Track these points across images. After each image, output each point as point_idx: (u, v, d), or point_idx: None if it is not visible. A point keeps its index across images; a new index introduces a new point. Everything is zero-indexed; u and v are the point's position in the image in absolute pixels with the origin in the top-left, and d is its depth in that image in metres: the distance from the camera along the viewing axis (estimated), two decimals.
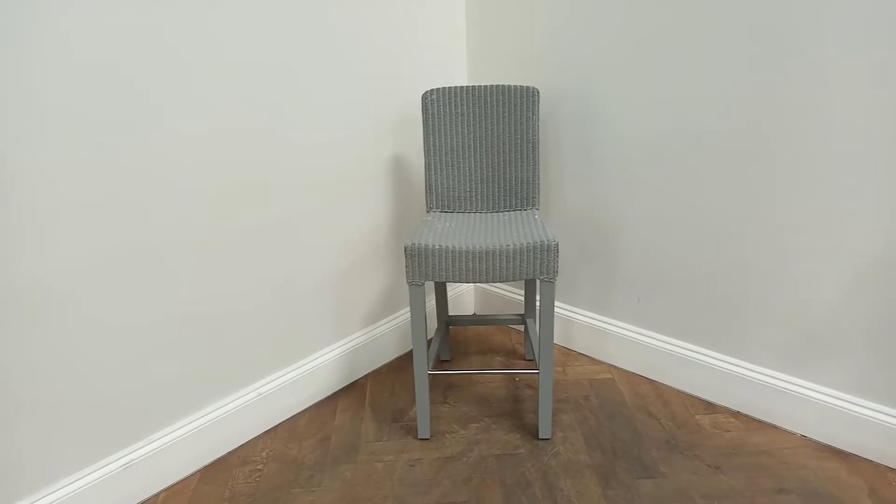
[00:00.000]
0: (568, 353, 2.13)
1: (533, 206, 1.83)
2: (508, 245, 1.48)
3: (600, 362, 2.06)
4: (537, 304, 2.09)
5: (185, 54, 1.39)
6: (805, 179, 1.51)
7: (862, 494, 1.45)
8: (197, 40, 1.40)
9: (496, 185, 1.83)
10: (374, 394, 1.93)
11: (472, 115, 1.79)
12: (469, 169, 1.83)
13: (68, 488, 1.36)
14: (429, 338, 2.23)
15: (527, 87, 1.76)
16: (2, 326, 1.21)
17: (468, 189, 1.84)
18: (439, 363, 2.09)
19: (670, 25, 1.64)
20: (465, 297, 2.39)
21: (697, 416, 1.75)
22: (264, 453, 1.67)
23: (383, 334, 2.07)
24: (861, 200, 1.44)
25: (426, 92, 1.77)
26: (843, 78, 1.40)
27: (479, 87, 1.77)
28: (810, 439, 1.64)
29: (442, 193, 1.84)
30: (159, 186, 1.40)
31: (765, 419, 1.72)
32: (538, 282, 2.10)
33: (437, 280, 1.51)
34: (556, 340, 2.18)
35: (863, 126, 1.40)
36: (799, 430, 1.66)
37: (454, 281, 1.51)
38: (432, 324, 2.23)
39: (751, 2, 1.49)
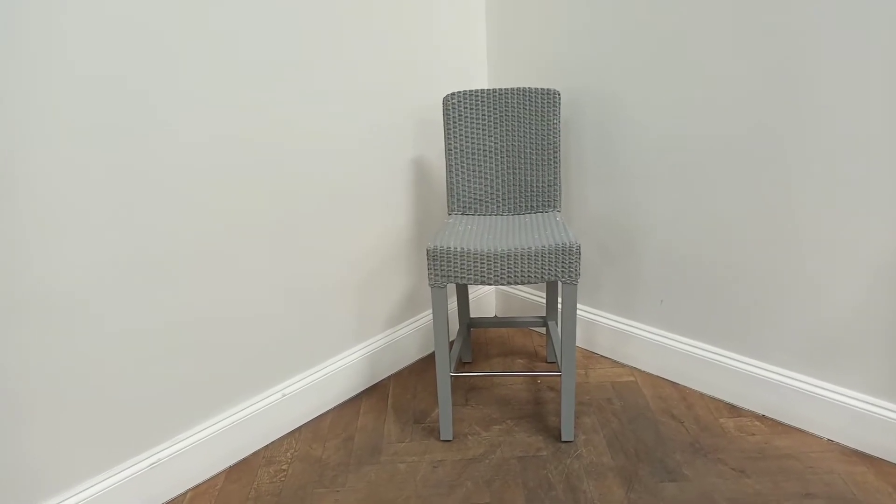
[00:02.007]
0: (590, 355, 2.12)
1: (554, 208, 1.83)
2: (530, 247, 1.48)
3: (623, 365, 2.05)
4: (559, 306, 2.09)
5: (200, 63, 1.41)
6: (825, 181, 1.50)
7: (890, 500, 1.42)
8: (212, 48, 1.42)
9: (517, 187, 1.84)
10: (396, 395, 1.94)
11: (493, 117, 1.80)
12: (490, 171, 1.83)
13: (97, 487, 1.39)
14: (450, 340, 2.24)
15: (548, 89, 1.76)
16: (27, 331, 1.24)
17: (489, 191, 1.85)
18: (461, 365, 2.10)
19: (690, 28, 1.63)
20: (486, 300, 2.39)
21: (722, 420, 1.74)
22: (289, 453, 1.69)
23: (405, 336, 2.08)
24: (880, 200, 1.43)
25: (447, 95, 1.78)
26: (863, 80, 1.38)
27: (500, 89, 1.78)
28: (837, 443, 1.62)
29: (463, 196, 1.85)
30: (180, 194, 1.42)
31: (790, 423, 1.70)
32: (560, 284, 2.10)
33: (459, 282, 1.52)
34: (578, 343, 2.18)
35: (881, 128, 1.38)
36: (825, 434, 1.64)
37: (476, 283, 1.52)
38: (454, 326, 2.24)
39: (770, 5, 1.48)
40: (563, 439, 1.68)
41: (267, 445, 1.72)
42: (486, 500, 1.48)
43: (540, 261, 1.49)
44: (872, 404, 1.55)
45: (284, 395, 1.74)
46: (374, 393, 1.96)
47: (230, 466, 1.65)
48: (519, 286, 2.34)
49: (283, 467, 1.63)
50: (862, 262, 1.50)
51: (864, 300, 1.52)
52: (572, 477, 1.55)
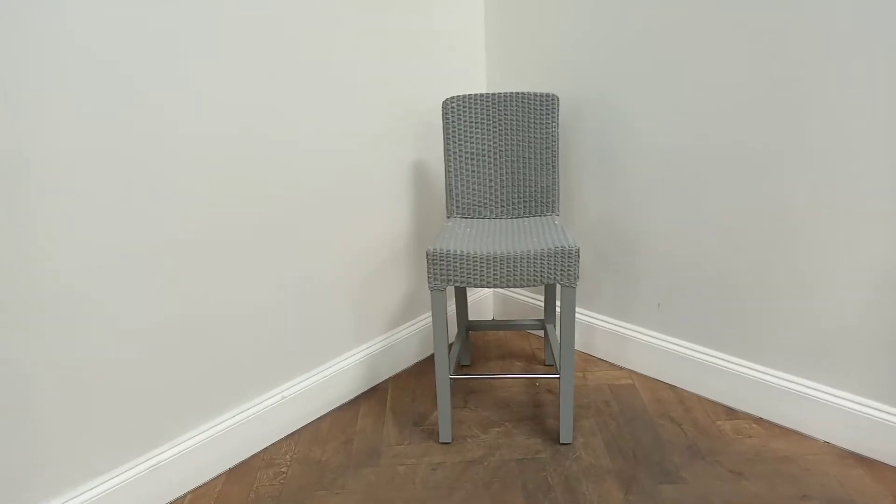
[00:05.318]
0: (588, 358, 2.13)
1: (553, 211, 1.84)
2: (530, 250, 1.49)
3: (621, 368, 2.06)
4: (557, 309, 2.10)
5: (203, 59, 1.42)
6: (822, 187, 1.51)
7: (886, 502, 1.44)
8: (214, 45, 1.43)
9: (516, 191, 1.84)
10: (395, 398, 1.95)
11: (492, 121, 1.81)
12: (489, 175, 1.84)
13: (96, 490, 1.39)
14: (449, 343, 2.24)
15: (546, 94, 1.77)
16: (25, 329, 1.24)
17: (488, 195, 1.86)
18: (459, 368, 2.10)
19: (689, 35, 1.64)
20: (484, 303, 2.40)
21: (719, 422, 1.75)
22: (288, 456, 1.69)
23: (404, 339, 2.08)
24: (877, 206, 1.44)
25: (447, 99, 1.79)
26: (861, 88, 1.40)
27: (499, 94, 1.79)
28: (833, 445, 1.63)
29: (462, 199, 1.86)
30: (183, 189, 1.43)
31: (787, 425, 1.71)
32: (559, 287, 2.10)
33: (459, 285, 1.53)
34: (576, 346, 2.18)
35: (879, 135, 1.40)
36: (822, 437, 1.65)
37: (476, 286, 1.53)
38: (452, 329, 2.25)
39: (774, 15, 1.49)
40: (561, 442, 1.69)
41: (266, 448, 1.73)
42: (485, 503, 1.49)
43: (539, 264, 1.50)
44: (869, 407, 1.57)
45: (284, 398, 1.74)
46: (373, 395, 1.97)
47: (230, 469, 1.65)
48: (517, 289, 2.35)
49: (283, 469, 1.64)
50: (858, 266, 1.51)
51: (861, 304, 1.53)
52: (571, 479, 1.56)
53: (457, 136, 1.81)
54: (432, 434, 1.76)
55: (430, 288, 1.56)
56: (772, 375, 1.72)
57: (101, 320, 1.34)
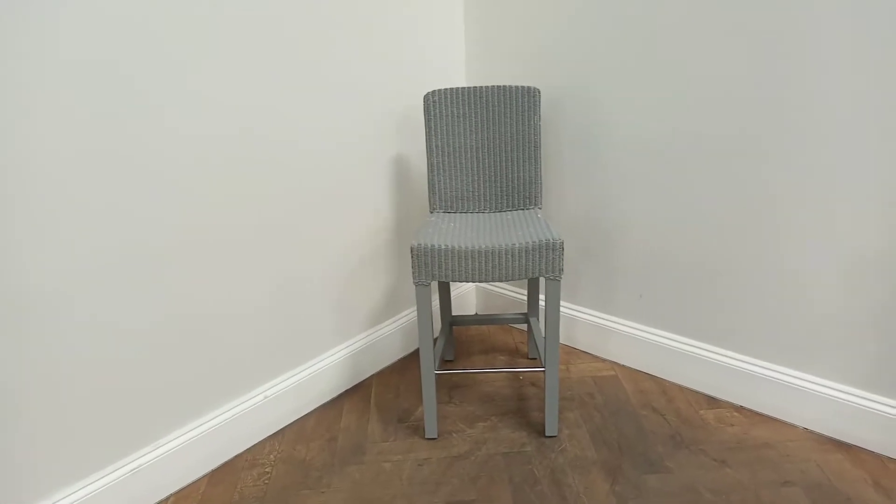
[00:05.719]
0: (571, 351, 2.14)
1: (535, 205, 1.84)
2: (514, 244, 1.49)
3: (603, 360, 2.08)
4: (540, 302, 2.10)
5: (186, 55, 1.39)
6: (803, 178, 1.53)
7: (866, 486, 1.47)
8: (198, 41, 1.40)
9: (498, 184, 1.84)
10: (379, 394, 1.94)
11: (473, 115, 1.80)
12: (471, 169, 1.84)
13: (77, 494, 1.36)
14: (433, 338, 2.24)
15: (528, 87, 1.77)
16: (15, 329, 1.21)
17: (471, 189, 1.85)
18: (443, 363, 2.10)
19: (670, 28, 1.65)
20: (467, 298, 2.40)
21: (701, 412, 1.77)
22: (272, 455, 1.67)
23: (387, 335, 2.07)
24: (857, 197, 1.46)
25: (428, 93, 1.78)
26: (840, 78, 1.42)
27: (481, 87, 1.79)
28: (813, 432, 1.66)
29: (445, 194, 1.85)
30: (161, 187, 1.40)
31: (768, 413, 1.74)
32: (542, 280, 2.11)
33: (444, 280, 1.52)
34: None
35: (858, 125, 1.42)
36: (801, 424, 1.68)
37: (461, 280, 1.52)
38: (436, 324, 2.24)
39: (759, 7, 1.50)
40: (546, 434, 1.69)
41: (250, 448, 1.71)
42: (472, 497, 1.49)
43: (524, 257, 1.50)
44: (848, 393, 1.59)
45: (266, 397, 1.72)
46: (357, 392, 1.95)
47: (213, 470, 1.63)
48: (499, 283, 2.35)
49: (267, 469, 1.62)
50: (836, 255, 1.54)
51: (840, 293, 1.56)
52: (557, 471, 1.56)
53: (439, 130, 1.81)
54: (417, 430, 1.75)
55: (414, 283, 1.55)
56: (752, 364, 1.74)
57: (78, 322, 1.31)
